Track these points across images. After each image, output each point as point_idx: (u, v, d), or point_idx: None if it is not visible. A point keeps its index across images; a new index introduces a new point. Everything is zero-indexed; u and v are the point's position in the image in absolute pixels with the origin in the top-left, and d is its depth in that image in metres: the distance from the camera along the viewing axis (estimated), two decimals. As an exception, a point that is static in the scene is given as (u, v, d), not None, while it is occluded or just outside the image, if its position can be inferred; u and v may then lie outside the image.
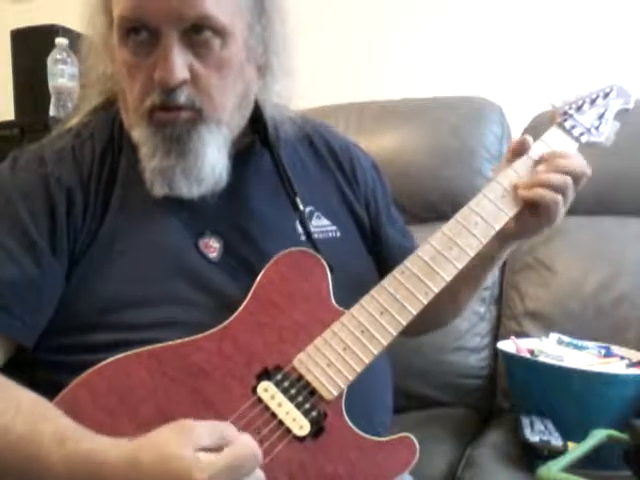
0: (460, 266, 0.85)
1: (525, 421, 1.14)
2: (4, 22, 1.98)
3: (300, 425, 0.77)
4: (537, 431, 1.11)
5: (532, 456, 1.06)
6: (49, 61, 1.76)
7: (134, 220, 0.87)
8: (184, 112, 0.85)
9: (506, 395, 1.45)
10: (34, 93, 1.83)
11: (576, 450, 1.00)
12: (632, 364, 1.23)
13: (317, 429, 0.78)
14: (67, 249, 0.84)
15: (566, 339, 1.31)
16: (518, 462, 1.11)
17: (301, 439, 0.77)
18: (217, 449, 0.67)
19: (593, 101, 0.99)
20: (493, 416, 1.46)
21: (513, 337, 1.36)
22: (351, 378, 0.80)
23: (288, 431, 0.77)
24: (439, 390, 1.50)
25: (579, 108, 0.98)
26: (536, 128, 1.60)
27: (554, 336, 1.33)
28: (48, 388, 0.76)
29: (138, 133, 0.87)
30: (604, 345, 1.30)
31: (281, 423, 0.77)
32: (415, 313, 0.83)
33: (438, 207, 1.59)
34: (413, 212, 1.54)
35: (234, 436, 0.69)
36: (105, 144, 0.91)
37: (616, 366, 1.22)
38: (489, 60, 1.87)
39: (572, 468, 0.95)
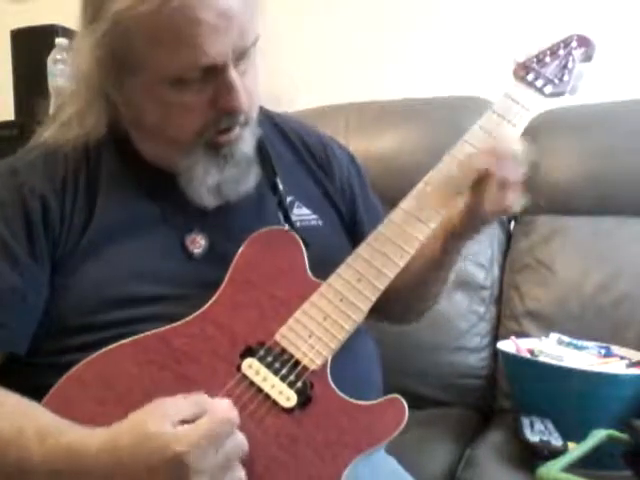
0: (433, 226, 0.86)
1: (525, 421, 1.14)
2: (4, 22, 1.98)
3: (287, 397, 0.78)
4: (537, 431, 1.11)
5: (532, 456, 1.06)
6: (49, 61, 1.76)
7: (119, 223, 0.88)
8: (238, 127, 0.87)
9: (506, 395, 1.45)
10: (34, 93, 1.82)
11: (576, 450, 1.00)
12: (632, 364, 1.23)
13: (304, 399, 0.78)
14: (47, 254, 0.85)
15: (566, 339, 1.31)
16: (518, 462, 1.11)
17: (289, 410, 0.78)
18: (194, 419, 0.68)
19: (554, 52, 0.99)
20: (493, 416, 1.46)
21: (513, 337, 1.36)
22: (334, 346, 0.80)
23: (275, 404, 0.78)
24: (439, 390, 1.50)
25: (540, 60, 0.98)
26: (536, 128, 1.61)
27: (554, 336, 1.33)
28: (44, 389, 0.77)
29: (187, 160, 0.88)
30: (604, 345, 1.30)
31: (268, 397, 0.78)
32: (392, 276, 0.83)
33: (438, 207, 1.59)
34: (413, 212, 1.54)
35: (208, 402, 0.70)
36: (80, 153, 0.91)
37: (616, 366, 1.22)
38: (489, 60, 1.87)
39: (572, 468, 0.95)
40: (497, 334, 1.52)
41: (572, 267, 1.49)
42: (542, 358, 1.22)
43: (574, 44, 0.99)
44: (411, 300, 1.06)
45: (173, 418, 0.68)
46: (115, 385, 0.77)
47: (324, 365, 0.80)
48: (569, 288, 1.47)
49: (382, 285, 0.83)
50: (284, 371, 0.79)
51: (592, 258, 1.48)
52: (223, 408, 0.70)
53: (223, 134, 0.87)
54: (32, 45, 1.85)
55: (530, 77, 0.96)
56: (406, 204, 0.88)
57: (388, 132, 1.68)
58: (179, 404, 0.70)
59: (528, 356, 1.25)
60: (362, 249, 0.86)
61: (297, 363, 0.80)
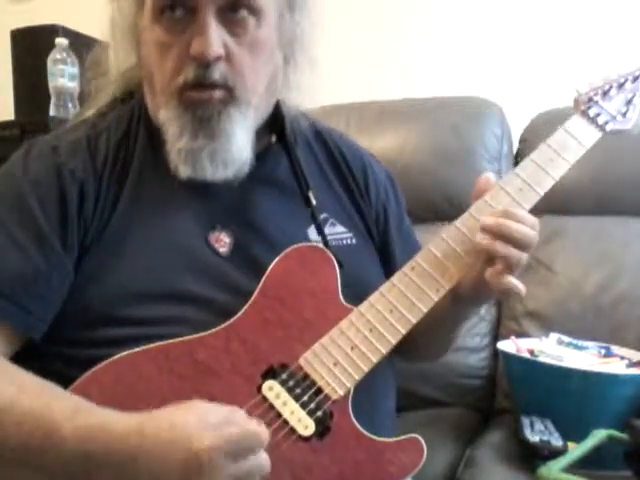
0: (471, 260, 0.83)
1: (525, 421, 1.14)
2: (4, 22, 1.98)
3: (305, 425, 0.77)
4: (537, 431, 1.10)
5: (532, 456, 1.06)
6: (49, 61, 1.76)
7: (145, 213, 0.86)
8: (217, 91, 0.84)
9: (506, 395, 1.45)
10: (34, 93, 1.83)
11: (576, 450, 1.00)
12: (632, 364, 1.23)
13: (323, 429, 0.77)
14: (77, 241, 0.83)
15: (566, 339, 1.31)
16: (518, 462, 1.10)
17: (306, 439, 0.77)
18: (220, 426, 0.68)
19: (621, 85, 0.93)
20: (493, 416, 1.46)
21: (513, 337, 1.36)
22: (358, 378, 0.79)
23: (293, 431, 0.77)
24: (439, 390, 1.50)
25: (605, 93, 0.92)
26: (536, 128, 1.61)
27: (554, 336, 1.33)
28: (60, 382, 0.76)
29: (165, 113, 0.86)
30: (604, 345, 1.30)
31: (286, 422, 0.77)
32: (425, 311, 0.81)
33: (438, 207, 1.59)
34: (413, 212, 1.52)
35: (240, 418, 0.70)
36: (121, 136, 0.90)
37: (616, 366, 1.22)
38: (489, 60, 1.87)
39: (572, 468, 0.95)
40: (497, 334, 1.52)
41: (572, 267, 1.49)
42: (542, 358, 1.22)
43: None
44: (425, 342, 1.02)
45: (201, 417, 0.68)
46: (132, 391, 0.76)
47: (346, 396, 0.79)
48: (569, 288, 1.47)
49: (415, 319, 0.81)
50: (305, 398, 0.78)
51: (592, 258, 1.48)
52: (256, 425, 0.70)
53: (195, 90, 0.83)
54: (32, 45, 1.85)
55: (592, 112, 0.91)
56: (447, 234, 0.84)
57: (388, 132, 1.68)
58: (212, 409, 0.70)
59: (528, 356, 1.25)
60: (397, 279, 0.83)
61: (319, 391, 0.78)
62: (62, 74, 1.74)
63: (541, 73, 1.80)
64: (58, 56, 1.75)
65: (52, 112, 1.75)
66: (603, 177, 1.53)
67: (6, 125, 1.83)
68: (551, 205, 1.58)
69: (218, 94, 0.84)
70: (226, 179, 0.87)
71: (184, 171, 0.85)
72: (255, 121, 0.88)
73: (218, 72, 0.83)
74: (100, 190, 0.86)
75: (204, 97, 0.84)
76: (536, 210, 1.58)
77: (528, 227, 0.83)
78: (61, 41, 1.75)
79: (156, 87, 0.87)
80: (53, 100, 1.75)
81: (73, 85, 1.75)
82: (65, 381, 0.76)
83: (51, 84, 1.75)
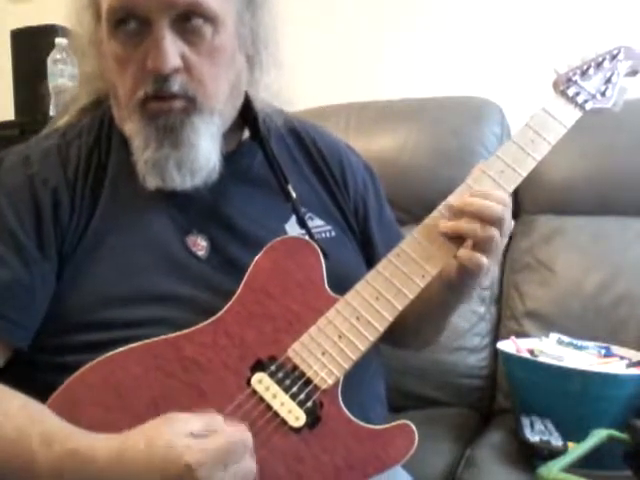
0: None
1: (525, 421, 1.14)
2: (4, 22, 1.99)
3: (296, 416, 0.77)
4: (537, 431, 1.10)
5: (532, 456, 1.06)
6: (49, 61, 1.76)
7: (122, 218, 0.87)
8: (178, 101, 0.84)
9: (506, 395, 1.45)
10: (34, 93, 1.82)
11: (576, 450, 1.00)
12: (632, 364, 1.23)
13: (313, 419, 0.78)
14: (55, 249, 0.84)
15: (566, 339, 1.31)
16: (518, 462, 1.10)
17: (297, 430, 0.77)
18: (205, 436, 0.68)
19: (599, 64, 0.94)
20: (493, 416, 1.46)
21: (513, 337, 1.36)
22: (347, 366, 0.79)
23: (284, 422, 0.77)
24: (439, 390, 1.50)
25: (584, 73, 0.93)
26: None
27: (554, 336, 1.33)
28: (46, 389, 0.76)
29: (130, 126, 0.87)
30: (604, 345, 1.30)
31: (276, 414, 0.77)
32: (412, 297, 0.82)
33: (438, 207, 1.59)
34: (413, 212, 1.53)
35: (222, 424, 0.70)
36: (92, 143, 0.91)
37: (616, 366, 1.22)
38: (489, 60, 1.87)
39: (572, 468, 0.95)
40: (497, 334, 1.52)
41: (572, 267, 1.48)
42: (542, 358, 1.22)
43: (621, 56, 0.95)
44: (417, 328, 1.04)
45: (183, 430, 0.68)
46: (122, 390, 0.76)
47: (335, 385, 0.79)
48: (569, 288, 1.46)
49: (401, 305, 0.81)
50: (294, 389, 0.78)
51: (592, 258, 1.48)
52: (239, 430, 0.70)
53: (155, 101, 0.84)
54: (32, 45, 1.85)
55: (571, 92, 0.92)
56: (431, 219, 0.85)
57: (388, 132, 1.67)
58: (191, 419, 0.69)
59: (528, 356, 1.25)
60: (382, 266, 0.83)
61: (308, 382, 0.79)
62: (62, 74, 1.75)
63: (541, 73, 1.80)
64: (58, 56, 1.76)
65: (52, 112, 1.75)
66: (603, 177, 1.53)
67: (6, 125, 1.84)
68: (551, 205, 1.59)
69: (178, 104, 0.84)
70: (194, 189, 0.87)
71: (152, 182, 0.86)
72: (221, 126, 0.88)
73: (177, 84, 0.83)
74: (74, 198, 0.86)
75: (164, 108, 0.84)
76: (536, 210, 1.60)
77: (493, 202, 0.83)
78: (61, 41, 1.76)
79: (120, 100, 0.88)
80: (53, 100, 1.76)
81: (73, 85, 1.75)
82: (52, 388, 0.76)
83: (51, 84, 1.76)
